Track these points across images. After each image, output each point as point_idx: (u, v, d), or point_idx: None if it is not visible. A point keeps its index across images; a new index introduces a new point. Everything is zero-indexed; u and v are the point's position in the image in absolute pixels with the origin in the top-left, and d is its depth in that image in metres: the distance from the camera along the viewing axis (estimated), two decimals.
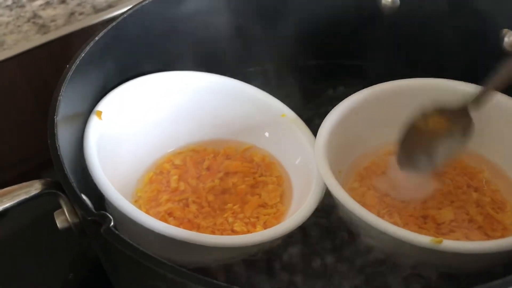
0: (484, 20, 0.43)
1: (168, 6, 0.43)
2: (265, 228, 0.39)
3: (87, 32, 0.61)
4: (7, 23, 0.61)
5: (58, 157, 0.31)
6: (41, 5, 0.64)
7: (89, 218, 0.28)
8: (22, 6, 0.62)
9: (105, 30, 0.40)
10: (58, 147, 0.32)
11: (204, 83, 0.45)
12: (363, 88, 0.44)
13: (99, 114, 0.39)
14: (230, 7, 0.45)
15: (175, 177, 0.43)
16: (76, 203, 0.30)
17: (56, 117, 0.33)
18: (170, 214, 0.41)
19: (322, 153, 0.40)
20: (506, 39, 0.42)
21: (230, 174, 0.43)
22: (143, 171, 0.43)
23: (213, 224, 0.40)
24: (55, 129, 0.33)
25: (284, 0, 0.47)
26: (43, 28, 0.64)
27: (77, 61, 0.37)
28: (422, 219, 0.40)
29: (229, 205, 0.41)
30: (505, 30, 0.42)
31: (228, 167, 0.44)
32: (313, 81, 0.49)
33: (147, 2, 0.42)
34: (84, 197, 0.31)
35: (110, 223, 0.28)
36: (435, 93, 0.44)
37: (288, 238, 0.37)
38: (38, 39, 0.63)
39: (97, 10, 0.66)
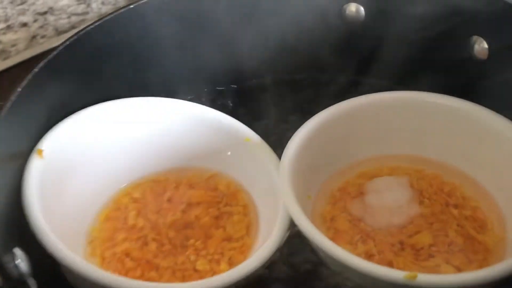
0: (453, 28, 0.40)
1: (113, 33, 0.40)
2: (230, 265, 0.37)
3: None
4: None
5: None
6: (1, 29, 0.61)
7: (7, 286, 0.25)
8: None
9: (44, 61, 0.37)
10: None
11: (160, 108, 0.42)
12: (333, 104, 0.41)
13: (40, 152, 0.36)
14: (181, 30, 0.43)
15: (133, 212, 0.40)
16: None
17: None
18: (127, 254, 0.38)
19: (286, 179, 0.37)
20: (476, 47, 0.40)
21: (193, 206, 0.41)
22: (99, 208, 0.40)
23: (174, 264, 0.37)
24: None
25: (243, 18, 0.44)
26: (3, 53, 0.61)
27: (13, 98, 0.34)
28: (399, 245, 0.37)
29: (191, 241, 0.38)
30: (475, 37, 0.40)
31: (191, 197, 0.41)
32: (280, 100, 0.46)
33: (88, 28, 0.39)
34: (18, 252, 0.28)
35: None
36: (407, 106, 0.41)
37: (254, 276, 0.34)
38: None
39: (59, 32, 0.63)
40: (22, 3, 0.61)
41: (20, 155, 0.35)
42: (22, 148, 0.36)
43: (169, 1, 0.42)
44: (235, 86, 0.46)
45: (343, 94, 0.42)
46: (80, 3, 0.64)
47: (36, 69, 0.36)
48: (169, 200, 0.41)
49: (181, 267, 0.37)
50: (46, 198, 0.35)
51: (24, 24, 0.62)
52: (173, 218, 0.40)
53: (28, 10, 0.62)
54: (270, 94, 0.46)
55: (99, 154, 0.41)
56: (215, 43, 0.45)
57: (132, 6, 0.41)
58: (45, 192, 0.36)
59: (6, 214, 0.32)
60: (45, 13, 0.63)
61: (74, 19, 0.63)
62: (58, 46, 0.38)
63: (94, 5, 0.64)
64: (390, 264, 0.36)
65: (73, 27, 0.63)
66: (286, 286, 0.35)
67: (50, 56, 0.38)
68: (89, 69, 0.40)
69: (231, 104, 0.44)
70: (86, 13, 0.63)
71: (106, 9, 0.64)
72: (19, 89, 0.35)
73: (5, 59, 0.61)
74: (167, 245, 0.38)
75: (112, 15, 0.40)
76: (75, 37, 0.39)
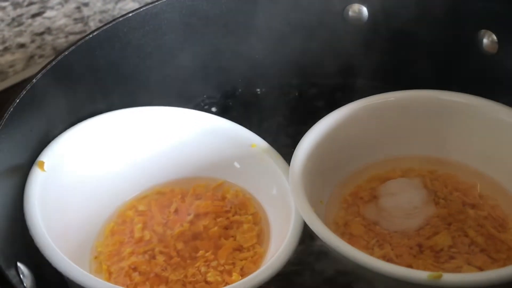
0: (461, 23, 0.39)
1: (113, 41, 0.39)
2: (242, 276, 0.35)
3: None
4: None
5: None
6: None
7: None
8: None
9: (43, 72, 0.36)
10: None
11: (163, 117, 0.41)
12: (340, 106, 0.40)
13: (42, 165, 0.35)
14: (179, 36, 0.41)
15: (139, 225, 0.39)
16: None
17: None
18: (134, 269, 0.36)
19: (298, 183, 0.36)
20: (485, 41, 0.39)
21: (201, 216, 0.39)
22: (104, 222, 0.39)
23: (184, 276, 0.36)
24: None
25: (243, 23, 0.43)
26: (1, 74, 0.60)
27: (11, 109, 0.33)
28: (418, 248, 0.36)
29: (201, 252, 0.37)
30: (483, 31, 0.39)
31: (198, 208, 0.40)
32: (286, 106, 0.45)
33: (87, 38, 0.38)
34: (22, 267, 0.27)
35: None
36: (417, 105, 0.40)
37: (267, 285, 0.33)
38: None
39: (57, 51, 0.63)
40: (19, 25, 0.60)
41: (20, 168, 0.34)
42: (22, 161, 0.35)
43: (165, 8, 0.41)
44: (238, 91, 0.45)
45: (350, 97, 0.41)
46: (78, 22, 0.63)
47: (34, 80, 0.35)
48: (175, 212, 0.40)
49: (192, 279, 0.35)
50: (49, 211, 0.34)
51: (22, 45, 0.61)
52: (181, 229, 0.38)
53: (25, 31, 0.61)
54: (277, 101, 0.45)
55: (102, 166, 0.39)
56: (216, 48, 0.43)
57: (130, 14, 0.40)
58: (47, 205, 0.34)
59: (8, 229, 0.30)
60: (42, 33, 0.62)
61: (72, 38, 0.63)
62: (57, 56, 0.37)
63: (91, 24, 0.64)
64: (409, 268, 0.34)
65: (71, 46, 0.63)
66: None
67: (49, 67, 0.37)
68: (89, 80, 0.39)
69: (234, 110, 0.43)
70: (84, 31, 0.63)
71: None
72: (17, 100, 0.34)
73: (2, 80, 0.60)
74: (176, 257, 0.37)
75: (109, 25, 0.39)
76: (73, 47, 0.38)
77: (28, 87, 0.35)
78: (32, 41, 0.62)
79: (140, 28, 0.41)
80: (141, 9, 0.40)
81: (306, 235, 0.34)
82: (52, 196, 0.35)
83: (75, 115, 0.38)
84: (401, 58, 0.42)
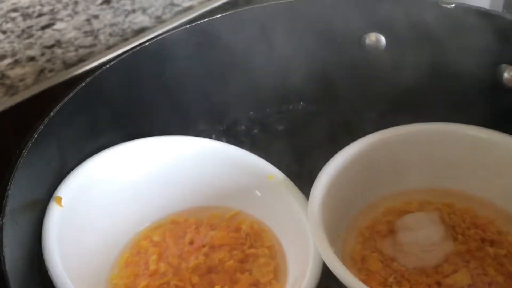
0: (481, 57, 0.39)
1: (129, 71, 0.39)
2: None
3: (57, 90, 0.57)
4: None
5: None
6: (8, 64, 0.60)
7: None
8: None
9: (60, 104, 0.36)
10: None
11: (177, 147, 0.41)
12: (356, 138, 0.40)
13: (59, 200, 0.35)
14: (198, 68, 0.41)
15: (154, 256, 0.38)
16: None
17: (2, 219, 0.29)
18: None
19: (318, 220, 0.35)
20: (506, 75, 0.39)
21: (216, 248, 0.39)
22: (119, 252, 0.39)
23: None
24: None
25: (259, 49, 0.43)
26: (11, 88, 0.60)
27: (29, 144, 0.33)
28: (437, 287, 0.35)
29: (217, 287, 0.36)
30: (503, 66, 0.39)
31: (213, 239, 0.39)
32: (303, 135, 0.44)
33: (106, 67, 0.38)
34: None
35: None
36: (433, 138, 0.40)
37: None
38: (7, 102, 0.59)
39: (67, 65, 0.62)
40: (29, 37, 0.60)
41: (37, 203, 0.34)
42: (39, 195, 0.34)
43: (182, 37, 0.41)
44: (255, 120, 0.45)
45: (367, 128, 0.40)
46: (88, 35, 0.63)
47: (52, 113, 0.35)
48: (190, 243, 0.39)
49: None
50: (66, 246, 0.34)
51: (32, 58, 0.61)
52: (196, 262, 0.38)
53: (35, 44, 0.61)
54: (294, 132, 0.44)
55: (117, 196, 0.39)
56: (231, 77, 0.43)
57: (147, 43, 0.40)
58: (65, 240, 0.34)
59: (26, 264, 0.30)
60: (52, 46, 0.62)
61: (81, 51, 0.62)
62: (73, 88, 0.37)
63: (101, 37, 0.63)
64: None
65: (81, 59, 0.62)
66: None
67: (65, 100, 0.36)
68: (104, 111, 0.39)
69: (251, 140, 0.43)
70: (94, 45, 0.63)
71: (113, 40, 0.64)
72: (35, 135, 0.34)
73: (13, 94, 0.60)
74: None
75: (124, 56, 0.39)
76: (90, 78, 0.38)
77: (46, 121, 0.35)
78: (42, 54, 0.62)
79: (154, 57, 0.41)
80: (155, 39, 0.40)
81: (325, 273, 0.34)
82: (69, 231, 0.35)
83: (91, 147, 0.38)
84: (419, 90, 0.42)
